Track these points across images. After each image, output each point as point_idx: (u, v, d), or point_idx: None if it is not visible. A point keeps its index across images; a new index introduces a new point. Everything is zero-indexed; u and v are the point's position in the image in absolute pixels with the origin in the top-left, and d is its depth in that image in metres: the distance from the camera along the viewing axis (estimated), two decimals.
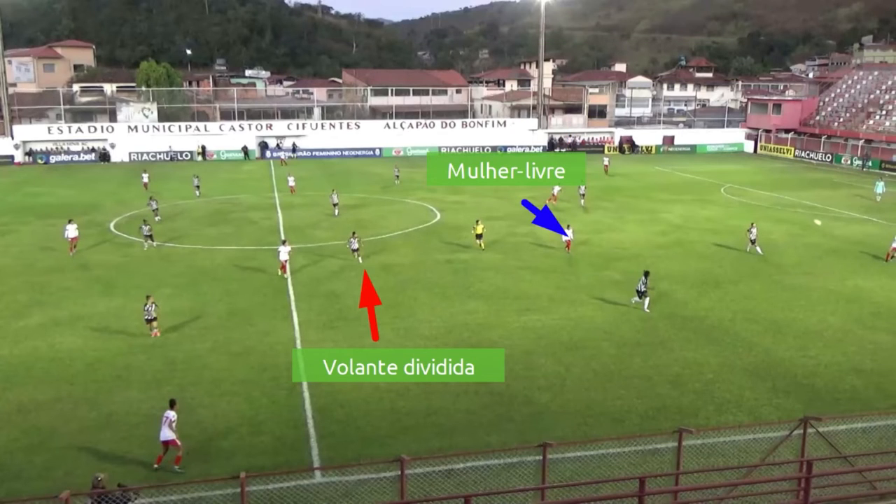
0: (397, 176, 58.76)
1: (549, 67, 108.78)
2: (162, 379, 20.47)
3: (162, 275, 31.25)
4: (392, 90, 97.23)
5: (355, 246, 33.35)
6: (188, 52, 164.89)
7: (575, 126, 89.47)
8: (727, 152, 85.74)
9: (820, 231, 40.16)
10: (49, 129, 74.72)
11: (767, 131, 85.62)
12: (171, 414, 16.04)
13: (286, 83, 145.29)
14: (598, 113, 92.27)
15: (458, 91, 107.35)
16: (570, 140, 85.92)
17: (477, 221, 36.90)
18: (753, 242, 35.14)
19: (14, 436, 17.19)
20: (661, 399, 19.46)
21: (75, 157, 73.87)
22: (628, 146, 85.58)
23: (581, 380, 20.62)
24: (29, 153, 72.90)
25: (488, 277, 30.93)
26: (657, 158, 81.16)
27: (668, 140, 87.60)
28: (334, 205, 44.83)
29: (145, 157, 74.48)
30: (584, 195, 47.69)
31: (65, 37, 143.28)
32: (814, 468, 12.79)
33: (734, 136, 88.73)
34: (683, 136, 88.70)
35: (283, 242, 31.66)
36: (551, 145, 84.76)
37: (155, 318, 23.58)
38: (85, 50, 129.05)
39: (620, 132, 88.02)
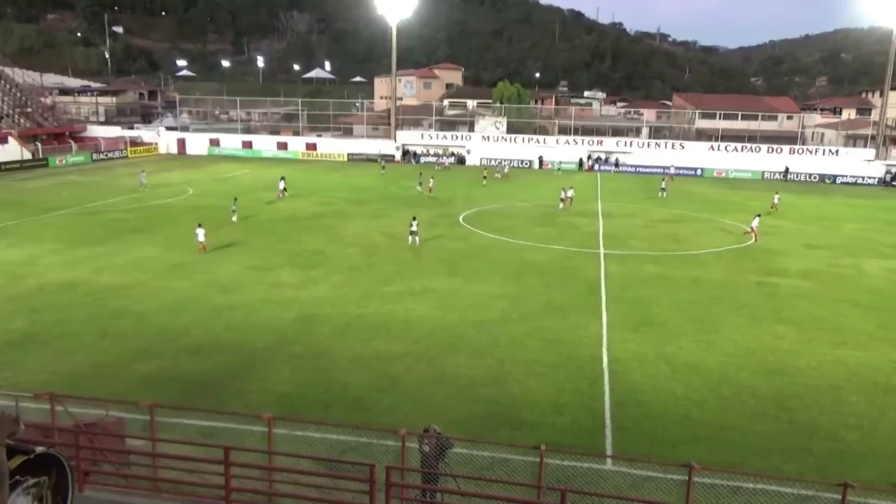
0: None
1: (895, 96, 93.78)
2: (485, 352, 21.64)
3: (495, 263, 33.06)
4: (720, 114, 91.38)
5: None
6: (537, 74, 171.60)
7: None
8: None
9: None
10: (422, 136, 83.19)
11: None
12: None
13: (619, 104, 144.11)
14: None
15: (789, 117, 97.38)
16: None
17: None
18: None
19: (372, 377, 19.44)
20: None
21: (440, 160, 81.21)
22: None
23: None
24: (405, 154, 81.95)
25: (801, 305, 27.70)
26: None
27: None
28: (412, 232, 36.28)
29: (492, 162, 79.33)
30: None
31: (442, 60, 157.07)
32: None
33: None
34: None
35: None
36: (889, 179, 73.15)
37: None
38: (456, 71, 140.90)
39: None
